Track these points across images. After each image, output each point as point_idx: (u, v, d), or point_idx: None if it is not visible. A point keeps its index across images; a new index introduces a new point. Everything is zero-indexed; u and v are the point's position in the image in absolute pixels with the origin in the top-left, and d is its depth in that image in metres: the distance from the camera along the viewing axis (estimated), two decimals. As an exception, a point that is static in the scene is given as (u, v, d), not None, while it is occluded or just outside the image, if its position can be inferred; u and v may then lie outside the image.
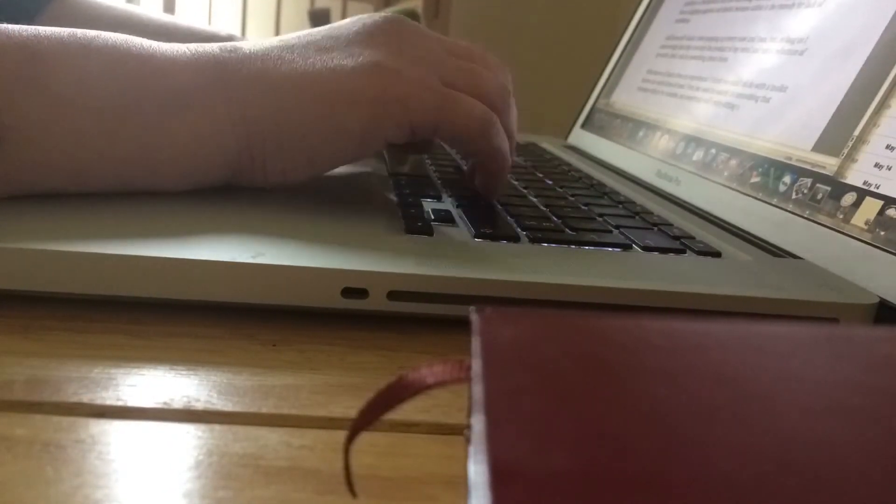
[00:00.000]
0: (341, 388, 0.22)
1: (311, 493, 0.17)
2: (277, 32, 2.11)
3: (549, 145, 0.68)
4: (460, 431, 0.20)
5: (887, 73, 0.35)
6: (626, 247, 0.32)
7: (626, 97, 0.64)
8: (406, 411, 0.20)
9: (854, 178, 0.34)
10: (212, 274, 0.25)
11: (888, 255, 0.30)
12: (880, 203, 0.32)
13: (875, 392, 0.12)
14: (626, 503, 0.09)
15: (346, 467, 0.15)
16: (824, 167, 0.36)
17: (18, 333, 0.24)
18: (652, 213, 0.40)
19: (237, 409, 0.20)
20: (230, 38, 0.59)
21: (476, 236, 0.31)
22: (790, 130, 0.40)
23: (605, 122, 0.65)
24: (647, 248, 0.32)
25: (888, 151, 0.33)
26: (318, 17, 1.68)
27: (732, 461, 0.10)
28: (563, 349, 0.13)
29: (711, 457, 0.10)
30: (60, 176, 0.29)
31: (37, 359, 0.22)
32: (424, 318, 0.26)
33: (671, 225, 0.38)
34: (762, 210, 0.39)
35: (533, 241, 0.31)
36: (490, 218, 0.34)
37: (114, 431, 0.19)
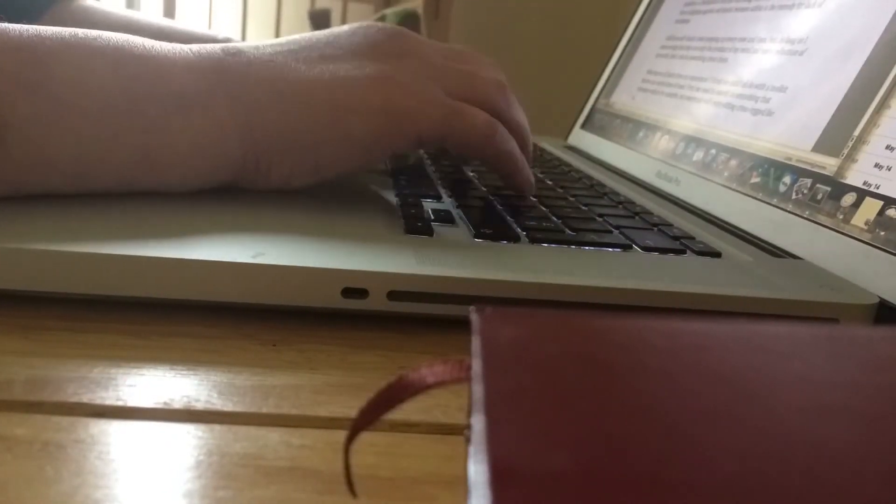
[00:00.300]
0: (341, 388, 0.22)
1: (311, 493, 0.17)
2: (277, 33, 2.11)
3: (549, 146, 0.68)
4: (460, 431, 0.20)
5: (887, 73, 0.35)
6: (626, 247, 0.32)
7: (626, 97, 0.64)
8: (406, 411, 0.20)
9: (854, 178, 0.34)
10: (212, 274, 0.25)
11: (888, 255, 0.30)
12: (880, 203, 0.32)
13: (875, 392, 0.12)
14: (625, 503, 0.09)
15: (346, 467, 0.15)
16: (824, 167, 0.36)
17: (18, 333, 0.24)
18: (652, 214, 0.40)
19: (237, 409, 0.20)
20: (227, 42, 0.59)
21: (476, 236, 0.31)
22: (790, 131, 0.40)
23: (605, 123, 0.65)
24: (647, 249, 0.32)
25: (888, 152, 0.33)
26: (319, 18, 1.68)
27: (732, 461, 0.10)
28: (563, 349, 0.13)
29: (711, 457, 0.10)
30: (62, 177, 0.29)
31: (37, 359, 0.22)
32: (424, 318, 0.26)
33: (671, 225, 0.38)
34: (762, 210, 0.39)
35: (533, 241, 0.31)
36: (490, 218, 0.34)
37: (114, 431, 0.19)
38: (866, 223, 0.32)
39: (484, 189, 0.42)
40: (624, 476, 0.09)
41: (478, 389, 0.12)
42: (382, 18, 1.10)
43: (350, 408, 0.21)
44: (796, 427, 0.11)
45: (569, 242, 0.32)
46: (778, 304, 0.27)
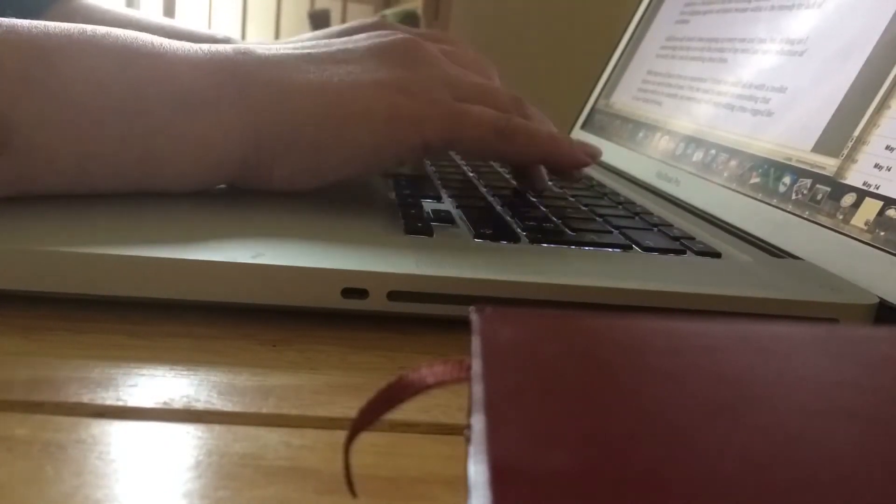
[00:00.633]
0: (341, 388, 0.22)
1: (311, 493, 0.17)
2: (277, 34, 2.11)
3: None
4: (460, 431, 0.20)
5: (887, 74, 0.35)
6: (626, 247, 0.32)
7: (626, 98, 0.64)
8: (406, 411, 0.20)
9: (854, 178, 0.34)
10: (212, 274, 0.25)
11: (888, 255, 0.30)
12: (880, 203, 0.32)
13: (875, 392, 0.12)
14: (625, 503, 0.09)
15: (346, 467, 0.15)
16: (824, 168, 0.36)
17: (18, 333, 0.24)
18: (652, 214, 0.40)
19: (237, 409, 0.20)
20: (227, 41, 0.59)
21: (476, 236, 0.31)
22: (790, 131, 0.40)
23: (605, 123, 0.65)
24: (647, 249, 0.32)
25: (888, 152, 0.33)
26: (319, 19, 1.68)
27: (732, 461, 0.10)
28: (563, 349, 0.13)
29: (711, 457, 0.10)
30: (65, 177, 0.29)
31: (37, 359, 0.22)
32: (424, 318, 0.26)
33: (671, 225, 0.38)
34: (762, 210, 0.39)
35: (533, 241, 0.31)
36: (490, 218, 0.34)
37: (114, 431, 0.19)
38: (866, 223, 0.32)
39: (484, 189, 0.42)
40: (624, 476, 0.09)
41: (478, 389, 0.12)
42: (382, 19, 1.10)
43: (350, 408, 0.21)
44: (796, 427, 0.11)
45: (569, 243, 0.32)
46: (778, 304, 0.27)
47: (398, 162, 0.33)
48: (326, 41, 0.35)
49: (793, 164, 0.39)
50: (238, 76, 0.31)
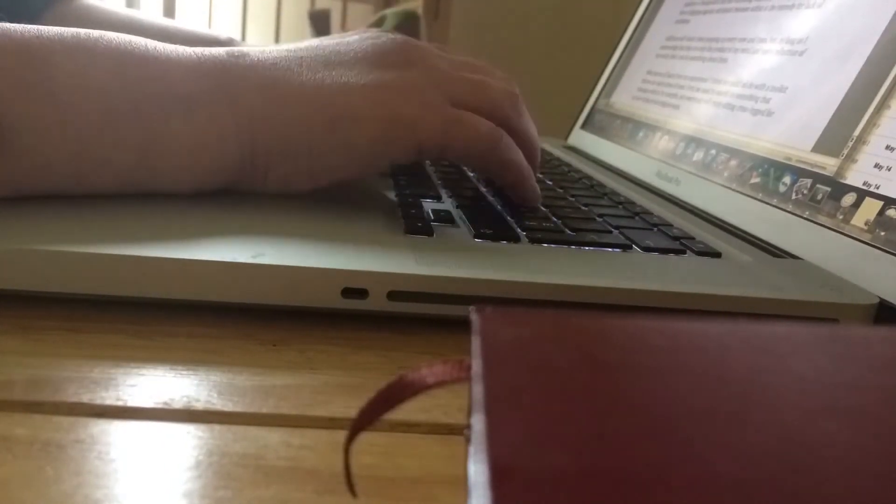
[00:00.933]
0: (341, 388, 0.22)
1: (311, 493, 0.17)
2: (277, 34, 2.11)
3: (549, 146, 0.68)
4: (460, 431, 0.20)
5: (887, 74, 0.35)
6: (625, 247, 0.32)
7: (626, 98, 0.64)
8: (406, 411, 0.20)
9: (854, 178, 0.34)
10: (212, 274, 0.25)
11: (888, 255, 0.30)
12: (880, 203, 0.32)
13: (875, 392, 0.12)
14: (625, 503, 0.09)
15: (346, 467, 0.15)
16: (824, 168, 0.36)
17: (18, 333, 0.24)
18: (652, 214, 0.40)
19: (237, 409, 0.20)
20: (230, 42, 0.59)
21: (476, 236, 0.31)
22: (790, 131, 0.40)
23: (605, 123, 0.65)
24: (646, 249, 0.32)
25: (888, 152, 0.33)
26: (319, 19, 1.68)
27: (732, 461, 0.10)
28: (563, 349, 0.13)
29: (711, 457, 0.10)
30: (61, 178, 0.29)
31: (37, 359, 0.22)
32: (424, 318, 0.26)
33: (671, 225, 0.38)
34: (762, 210, 0.39)
35: (533, 241, 0.31)
36: (490, 218, 0.34)
37: (114, 431, 0.19)
38: (866, 223, 0.32)
39: (484, 189, 0.42)
40: (624, 476, 0.09)
41: (478, 389, 0.12)
42: (382, 18, 1.10)
43: (350, 408, 0.21)
44: (796, 427, 0.11)
45: (569, 242, 0.32)
46: (778, 304, 0.27)
47: (392, 164, 0.33)
48: (319, 44, 0.35)
49: (793, 163, 0.39)
50: (231, 79, 0.31)
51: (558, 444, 0.10)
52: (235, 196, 0.33)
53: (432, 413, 0.21)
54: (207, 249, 0.26)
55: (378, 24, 1.09)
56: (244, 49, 0.33)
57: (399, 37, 0.35)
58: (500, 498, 0.09)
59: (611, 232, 0.35)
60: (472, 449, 0.10)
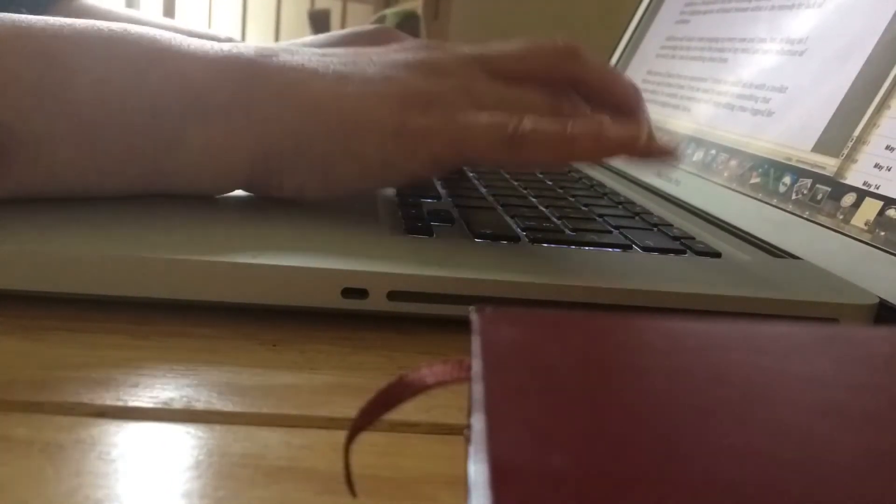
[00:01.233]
0: (341, 388, 0.22)
1: (311, 493, 0.17)
2: (277, 34, 2.11)
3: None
4: (460, 431, 0.20)
5: (887, 74, 0.35)
6: (625, 247, 0.32)
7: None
8: (406, 411, 0.20)
9: (854, 178, 0.34)
10: (212, 274, 0.25)
11: (888, 255, 0.30)
12: (880, 203, 0.32)
13: (875, 392, 0.12)
14: (625, 503, 0.09)
15: (346, 467, 0.15)
16: (824, 168, 0.36)
17: (18, 333, 0.24)
18: (652, 214, 0.40)
19: (237, 409, 0.20)
20: (229, 42, 0.59)
21: (476, 236, 0.31)
22: (790, 131, 0.40)
23: (605, 123, 0.65)
24: (646, 249, 0.32)
25: (888, 152, 0.33)
26: (318, 19, 1.68)
27: (732, 461, 0.10)
28: (563, 349, 0.13)
29: (711, 457, 0.10)
30: (72, 185, 0.29)
31: (37, 359, 0.22)
32: (424, 318, 0.26)
33: (671, 225, 0.38)
34: (762, 210, 0.39)
35: (533, 241, 0.31)
36: (490, 218, 0.34)
37: (114, 431, 0.19)
38: (866, 223, 0.32)
39: (484, 189, 0.42)
40: (624, 476, 0.09)
41: (478, 389, 0.12)
42: (382, 18, 1.10)
43: (350, 408, 0.21)
44: (796, 427, 0.11)
45: (569, 242, 0.32)
46: (778, 304, 0.27)
47: (411, 178, 0.31)
48: (360, 49, 0.34)
49: (793, 164, 0.39)
50: (253, 83, 0.30)
51: (558, 444, 0.10)
52: (235, 196, 0.33)
53: (432, 413, 0.21)
54: (207, 249, 0.26)
55: (378, 23, 1.09)
56: (275, 48, 0.32)
57: (441, 50, 0.33)
58: (500, 498, 0.09)
59: (611, 232, 0.35)
60: (472, 449, 0.10)
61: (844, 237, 0.33)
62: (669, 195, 0.47)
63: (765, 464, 0.10)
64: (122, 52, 0.29)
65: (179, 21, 0.64)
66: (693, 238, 0.35)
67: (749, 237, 0.38)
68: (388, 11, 1.11)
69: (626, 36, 0.70)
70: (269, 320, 0.26)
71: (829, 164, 0.36)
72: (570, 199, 0.42)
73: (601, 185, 0.49)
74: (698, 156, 0.48)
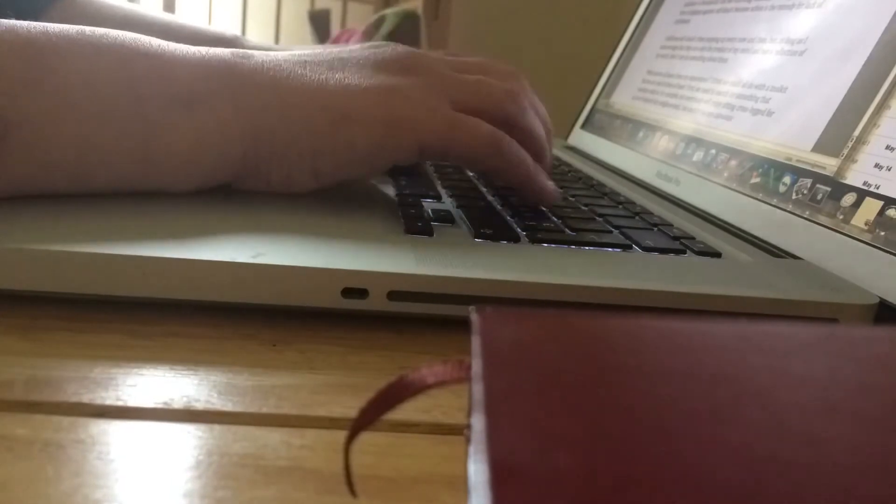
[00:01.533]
0: (341, 388, 0.22)
1: (311, 493, 0.17)
2: (277, 34, 2.11)
3: (549, 146, 0.68)
4: (460, 431, 0.20)
5: (887, 74, 0.35)
6: (626, 247, 0.32)
7: (626, 98, 0.64)
8: (406, 411, 0.20)
9: (854, 178, 0.34)
10: (212, 274, 0.25)
11: (888, 255, 0.30)
12: (880, 203, 0.32)
13: (875, 392, 0.12)
14: (626, 503, 0.09)
15: (347, 467, 0.15)
16: (824, 168, 0.36)
17: (18, 333, 0.24)
18: (652, 214, 0.40)
19: (237, 409, 0.20)
20: (235, 39, 0.59)
21: (476, 236, 0.31)
22: (790, 131, 0.40)
23: (605, 123, 0.65)
24: (647, 249, 0.32)
25: (888, 152, 0.33)
26: (319, 19, 1.68)
27: (732, 461, 0.10)
28: (564, 349, 0.13)
29: (711, 457, 0.10)
30: (62, 177, 0.29)
31: (37, 359, 0.22)
32: (424, 318, 0.26)
33: (671, 225, 0.38)
34: (762, 210, 0.39)
35: (533, 241, 0.31)
36: (490, 218, 0.34)
37: (114, 431, 0.19)
38: (866, 223, 0.32)
39: (484, 189, 0.42)
40: (624, 476, 0.09)
41: (478, 389, 0.12)
42: (382, 19, 1.10)
43: (350, 408, 0.21)
44: (796, 427, 0.11)
45: (569, 242, 0.32)
46: (778, 304, 0.27)
47: (392, 164, 0.33)
48: (323, 51, 0.35)
49: (793, 164, 0.39)
50: (235, 78, 0.31)
51: (558, 444, 0.10)
52: (235, 196, 0.33)
53: (432, 413, 0.21)
54: (207, 249, 0.26)
55: (378, 24, 1.09)
56: (248, 51, 0.33)
57: (401, 46, 0.36)
58: (500, 498, 0.09)
59: (611, 232, 0.35)
60: (472, 449, 0.10)
61: (844, 237, 0.33)
62: (669, 195, 0.47)
63: (765, 464, 0.10)
64: (106, 47, 0.30)
65: (183, 18, 0.64)
66: (693, 238, 0.35)
67: (749, 237, 0.38)
68: (388, 11, 1.11)
69: (626, 36, 0.70)
70: (269, 320, 0.26)
71: (829, 164, 0.36)
72: (570, 198, 0.42)
73: (601, 185, 0.49)
74: (698, 156, 0.48)
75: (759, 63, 0.47)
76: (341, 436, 0.19)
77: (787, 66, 0.44)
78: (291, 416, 0.20)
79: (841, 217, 0.34)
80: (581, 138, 0.68)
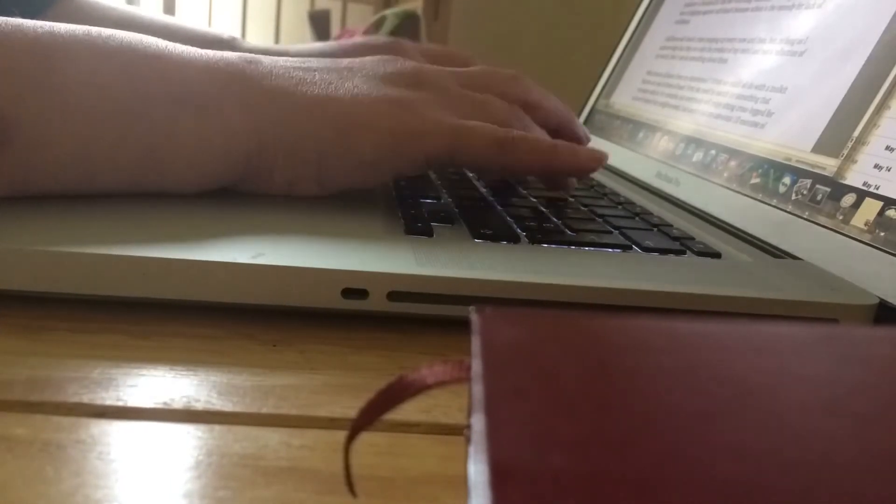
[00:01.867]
0: (341, 388, 0.22)
1: (311, 493, 0.17)
2: (277, 33, 2.11)
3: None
4: (460, 431, 0.20)
5: (887, 74, 0.35)
6: (625, 247, 0.32)
7: (626, 98, 0.64)
8: (406, 411, 0.20)
9: (854, 178, 0.34)
10: (212, 274, 0.25)
11: (888, 255, 0.30)
12: (880, 204, 0.32)
13: (875, 392, 0.12)
14: (625, 503, 0.09)
15: (346, 467, 0.15)
16: (824, 168, 0.36)
17: (18, 333, 0.24)
18: (652, 214, 0.40)
19: (237, 409, 0.20)
20: (232, 41, 0.59)
21: (476, 237, 0.31)
22: (790, 131, 0.40)
23: (605, 124, 0.65)
24: (646, 249, 0.32)
25: (888, 152, 0.33)
26: (319, 19, 1.68)
27: (732, 461, 0.10)
28: (563, 349, 0.13)
29: (711, 457, 0.10)
30: (69, 178, 0.29)
31: (37, 359, 0.22)
32: (424, 319, 0.26)
33: (671, 226, 0.38)
34: (762, 211, 0.39)
35: (533, 241, 0.31)
36: (490, 218, 0.34)
37: (114, 431, 0.19)
38: (866, 224, 0.32)
39: (484, 189, 0.42)
40: (624, 476, 0.09)
41: (478, 389, 0.12)
42: (382, 19, 1.10)
43: (350, 408, 0.21)
44: (796, 427, 0.11)
45: (569, 243, 0.32)
46: (778, 304, 0.27)
47: (398, 175, 0.34)
48: (333, 61, 0.36)
49: (793, 164, 0.39)
50: (243, 82, 0.32)
51: (558, 444, 0.10)
52: (236, 196, 0.33)
53: (432, 413, 0.21)
54: (207, 249, 0.26)
55: (378, 24, 1.09)
56: (258, 56, 0.33)
57: (408, 61, 0.36)
58: (500, 498, 0.09)
59: (611, 232, 0.35)
60: (472, 449, 0.10)
61: (844, 237, 0.33)
62: (669, 195, 0.47)
63: (765, 463, 0.10)
64: (113, 48, 0.30)
65: (182, 20, 0.64)
66: (693, 238, 0.35)
67: (749, 237, 0.38)
68: (388, 12, 1.11)
69: (626, 36, 0.70)
70: (269, 320, 0.26)
71: (828, 165, 0.36)
72: (570, 199, 0.42)
73: (601, 185, 0.49)
74: (698, 156, 0.48)
75: (758, 63, 0.47)
76: (341, 436, 0.19)
77: (787, 66, 0.44)
78: (291, 417, 0.20)
79: (841, 217, 0.34)
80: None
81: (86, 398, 0.20)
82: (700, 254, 0.33)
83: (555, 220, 0.36)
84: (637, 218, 0.39)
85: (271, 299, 0.25)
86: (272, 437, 0.19)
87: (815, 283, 0.29)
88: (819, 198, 0.36)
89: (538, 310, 0.15)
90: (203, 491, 0.17)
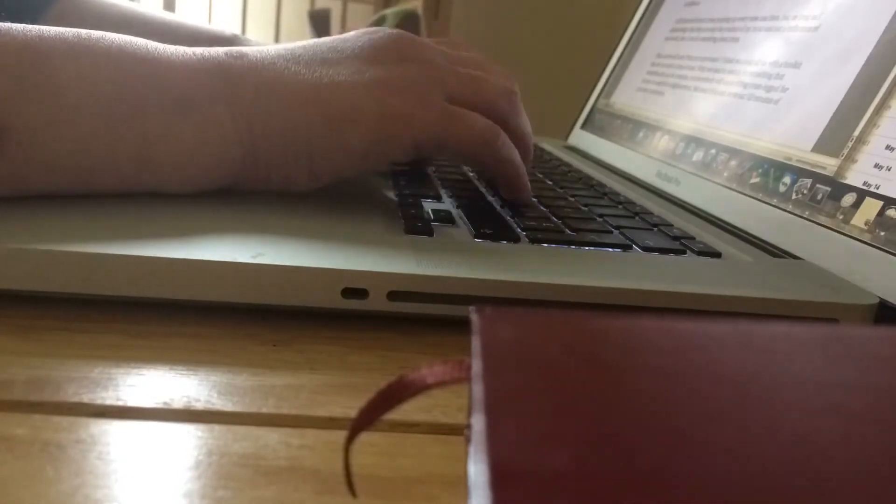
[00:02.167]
0: (341, 388, 0.22)
1: (311, 493, 0.17)
2: (277, 33, 2.11)
3: (549, 146, 0.68)
4: (460, 431, 0.20)
5: (887, 74, 0.35)
6: (626, 247, 0.32)
7: (626, 98, 0.64)
8: (406, 411, 0.20)
9: (854, 178, 0.34)
10: (212, 274, 0.25)
11: (888, 255, 0.30)
12: (880, 203, 0.32)
13: (875, 392, 0.12)
14: (626, 503, 0.09)
15: (346, 467, 0.15)
16: (824, 168, 0.36)
17: (18, 333, 0.24)
18: (652, 214, 0.40)
19: (237, 409, 0.20)
20: (234, 38, 0.59)
21: (476, 236, 0.31)
22: (790, 131, 0.40)
23: (605, 123, 0.65)
24: (647, 249, 0.32)
25: (888, 152, 0.33)
26: (319, 18, 1.68)
27: (732, 461, 0.10)
28: (564, 349, 0.13)
29: (711, 456, 0.10)
30: (64, 178, 0.29)
31: (37, 359, 0.22)
32: (424, 318, 0.26)
33: (671, 225, 0.38)
34: (762, 210, 0.39)
35: (533, 241, 0.31)
36: (490, 218, 0.34)
37: (114, 431, 0.19)
38: (866, 223, 0.32)
39: (484, 189, 0.42)
40: (624, 476, 0.09)
41: (478, 389, 0.12)
42: (382, 18, 1.10)
43: (350, 408, 0.21)
44: (796, 427, 0.11)
45: (569, 242, 0.32)
46: (778, 304, 0.27)
47: (389, 161, 0.33)
48: (317, 43, 0.35)
49: (793, 163, 0.39)
50: (230, 80, 0.31)
51: (558, 445, 0.10)
52: (235, 196, 0.33)
53: (432, 413, 0.21)
54: (207, 249, 0.26)
55: (378, 24, 1.09)
56: (242, 49, 0.33)
57: (395, 31, 0.35)
58: (500, 498, 0.09)
59: (611, 232, 0.35)
60: (472, 449, 0.10)
61: (844, 237, 0.33)
62: (669, 195, 0.47)
63: (765, 463, 0.10)
64: (103, 50, 0.30)
65: (183, 17, 0.64)
66: (693, 238, 0.35)
67: (749, 237, 0.38)
68: (388, 11, 1.11)
69: (626, 36, 0.70)
70: (269, 320, 0.26)
71: (829, 164, 0.36)
72: (570, 199, 0.42)
73: (601, 185, 0.49)
74: (698, 156, 0.48)
75: (758, 64, 0.47)
76: (341, 436, 0.19)
77: (787, 66, 0.44)
78: (291, 417, 0.20)
79: (841, 217, 0.34)
80: (581, 138, 0.68)
81: (86, 398, 0.20)
82: (700, 253, 0.33)
83: (555, 219, 0.36)
84: (637, 217, 0.39)
85: (271, 299, 0.25)
86: (272, 437, 0.19)
87: (815, 282, 0.29)
88: (819, 197, 0.36)
89: (538, 310, 0.15)
90: (203, 491, 0.17)
